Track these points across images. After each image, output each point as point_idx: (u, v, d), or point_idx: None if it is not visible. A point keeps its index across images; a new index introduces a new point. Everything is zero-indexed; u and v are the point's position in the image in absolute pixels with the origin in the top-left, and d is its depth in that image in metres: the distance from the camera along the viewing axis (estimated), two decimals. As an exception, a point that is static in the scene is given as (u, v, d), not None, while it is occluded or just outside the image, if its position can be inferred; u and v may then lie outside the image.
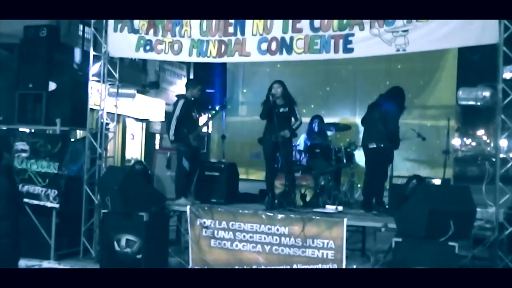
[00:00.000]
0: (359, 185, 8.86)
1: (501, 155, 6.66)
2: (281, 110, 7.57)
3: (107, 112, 8.52)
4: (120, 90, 8.48)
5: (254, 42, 7.48)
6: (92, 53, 8.39)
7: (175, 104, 8.03)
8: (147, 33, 8.00)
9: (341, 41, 7.04)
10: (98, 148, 8.21)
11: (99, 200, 7.83)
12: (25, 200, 7.84)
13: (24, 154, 7.98)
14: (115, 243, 7.20)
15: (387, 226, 6.52)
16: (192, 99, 8.14)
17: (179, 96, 8.14)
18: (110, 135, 8.72)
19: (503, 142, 7.01)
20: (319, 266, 6.69)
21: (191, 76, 23.61)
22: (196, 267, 7.33)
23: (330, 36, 7.09)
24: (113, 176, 7.43)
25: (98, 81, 8.36)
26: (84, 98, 8.27)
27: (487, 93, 6.54)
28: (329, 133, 9.02)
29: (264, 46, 7.43)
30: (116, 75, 8.37)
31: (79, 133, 10.49)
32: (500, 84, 6.49)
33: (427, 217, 5.60)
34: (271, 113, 7.46)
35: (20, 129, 8.44)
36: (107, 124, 8.51)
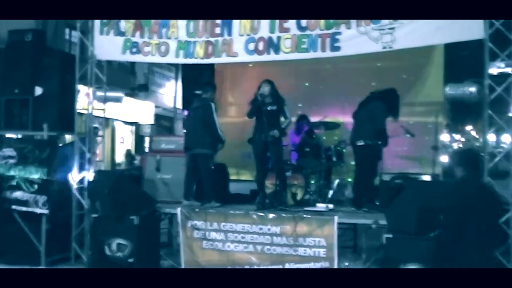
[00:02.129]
0: (349, 179, 8.88)
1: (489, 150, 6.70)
2: (269, 108, 7.55)
3: (96, 116, 8.49)
4: (107, 94, 8.43)
5: (241, 42, 7.49)
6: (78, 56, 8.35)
7: (208, 108, 7.76)
8: (133, 35, 7.97)
9: (328, 40, 7.07)
10: (87, 152, 8.17)
11: (89, 205, 7.79)
12: (14, 207, 7.78)
13: (11, 161, 7.91)
14: (106, 247, 7.15)
15: (378, 223, 6.54)
16: None
17: (207, 100, 7.91)
18: (99, 139, 8.68)
19: (491, 137, 7.05)
20: (312, 264, 6.71)
21: (179, 78, 23.48)
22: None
23: (317, 35, 7.11)
24: (102, 180, 7.40)
25: (86, 85, 8.32)
26: (72, 102, 8.20)
27: (473, 89, 6.61)
28: (317, 131, 9.03)
29: (251, 46, 7.44)
30: (104, 79, 8.33)
31: (68, 138, 10.43)
32: (486, 79, 6.54)
33: (417, 213, 5.62)
34: (260, 112, 7.46)
35: (7, 135, 8.37)
36: (95, 128, 8.46)
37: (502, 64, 6.86)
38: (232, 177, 9.19)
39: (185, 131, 8.33)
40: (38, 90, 8.01)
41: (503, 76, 6.67)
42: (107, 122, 17.72)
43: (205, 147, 7.72)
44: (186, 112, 10.23)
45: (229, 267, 7.11)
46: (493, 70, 6.77)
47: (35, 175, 7.78)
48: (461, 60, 8.81)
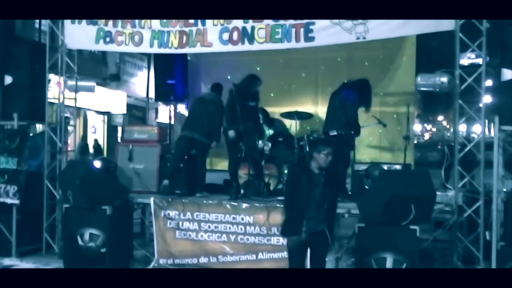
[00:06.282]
0: None
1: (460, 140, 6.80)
2: (250, 103, 7.58)
3: (67, 106, 8.39)
4: (79, 83, 8.33)
5: (215, 32, 7.46)
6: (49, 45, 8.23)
7: (222, 108, 7.83)
8: (106, 25, 7.89)
9: (302, 30, 7.07)
10: (58, 142, 8.08)
11: (61, 195, 7.71)
12: (-16, 197, 7.67)
13: (-19, 151, 7.80)
14: (78, 238, 7.09)
15: (350, 212, 6.62)
16: None
17: (222, 101, 7.95)
18: (70, 128, 8.59)
19: (462, 127, 7.15)
20: (284, 254, 6.72)
21: (152, 68, 23.26)
22: (161, 259, 7.31)
23: (291, 25, 7.11)
24: (74, 170, 7.31)
25: (57, 74, 8.20)
26: (42, 91, 8.10)
27: (444, 79, 6.67)
28: (291, 121, 9.04)
29: (225, 36, 7.41)
30: (75, 68, 8.24)
31: (39, 128, 10.30)
32: (457, 70, 6.64)
33: (389, 202, 5.68)
34: (234, 105, 7.44)
35: (-24, 125, 8.22)
36: (66, 117, 8.37)
37: (473, 55, 6.95)
38: (206, 167, 9.13)
39: (188, 115, 8.28)
40: (8, 79, 7.88)
41: (473, 67, 6.76)
42: (78, 111, 17.50)
43: (206, 137, 7.76)
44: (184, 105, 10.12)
45: (202, 257, 7.15)
46: (464, 60, 6.87)
47: (5, 165, 7.69)
48: (433, 51, 8.89)
